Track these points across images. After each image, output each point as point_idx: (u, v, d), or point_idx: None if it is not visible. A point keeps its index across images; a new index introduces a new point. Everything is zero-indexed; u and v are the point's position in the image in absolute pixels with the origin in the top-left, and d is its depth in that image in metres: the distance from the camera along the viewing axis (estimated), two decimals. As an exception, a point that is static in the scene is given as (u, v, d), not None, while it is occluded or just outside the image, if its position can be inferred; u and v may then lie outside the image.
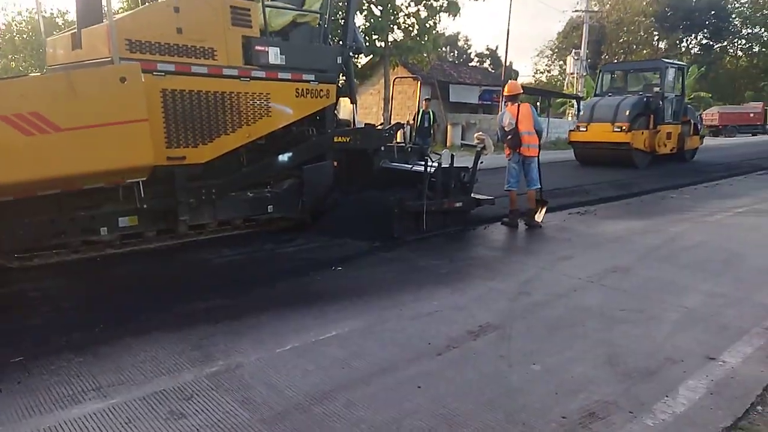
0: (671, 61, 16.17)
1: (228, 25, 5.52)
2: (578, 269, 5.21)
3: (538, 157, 7.26)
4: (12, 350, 3.29)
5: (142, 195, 5.10)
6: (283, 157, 6.22)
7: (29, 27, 26.06)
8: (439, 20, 19.45)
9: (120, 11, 5.84)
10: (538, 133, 7.19)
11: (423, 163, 6.57)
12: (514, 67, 54.23)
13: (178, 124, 5.27)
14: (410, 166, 6.95)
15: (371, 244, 5.92)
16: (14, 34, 26.12)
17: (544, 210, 7.25)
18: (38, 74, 6.38)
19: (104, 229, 5.10)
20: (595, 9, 42.89)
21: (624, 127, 13.24)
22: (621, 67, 19.24)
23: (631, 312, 4.12)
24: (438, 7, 18.89)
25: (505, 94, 7.66)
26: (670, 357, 3.35)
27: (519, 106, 7.13)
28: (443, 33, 20.53)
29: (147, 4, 6.29)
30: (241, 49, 5.62)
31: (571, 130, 15.28)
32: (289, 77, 6.04)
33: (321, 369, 3.16)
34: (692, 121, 15.52)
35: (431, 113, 14.20)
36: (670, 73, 14.70)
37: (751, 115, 38.42)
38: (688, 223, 7.46)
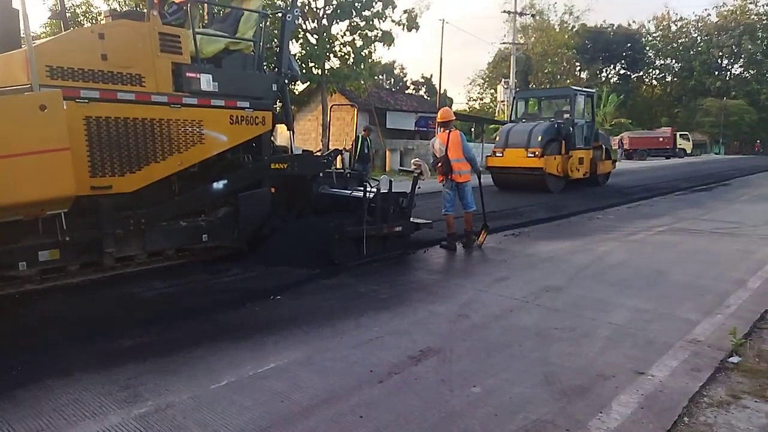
0: (580, 88, 16.78)
1: (157, 52, 5.41)
2: (514, 290, 5.34)
3: (475, 180, 7.47)
4: None
5: (64, 227, 4.82)
6: (218, 185, 6.07)
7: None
8: (375, 49, 19.84)
9: (42, 36, 5.59)
10: (470, 160, 7.38)
11: (362, 188, 6.59)
12: (448, 95, 55.97)
13: (104, 152, 5.06)
14: (349, 191, 6.96)
15: (311, 271, 5.83)
16: None
17: (485, 234, 7.45)
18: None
19: (23, 264, 4.75)
20: (521, 41, 45.15)
21: (537, 153, 13.59)
22: (533, 95, 20.18)
23: (564, 330, 4.25)
24: (373, 37, 19.28)
25: (438, 120, 7.87)
26: (602, 373, 3.48)
27: (449, 133, 7.32)
28: (379, 61, 20.91)
29: (69, 30, 6.06)
30: (171, 76, 5.51)
31: (487, 156, 15.57)
32: (223, 104, 5.96)
33: (258, 404, 3.05)
34: (603, 146, 16.15)
35: (369, 140, 14.48)
36: (580, 100, 15.28)
37: (661, 139, 41.37)
38: (613, 242, 7.86)
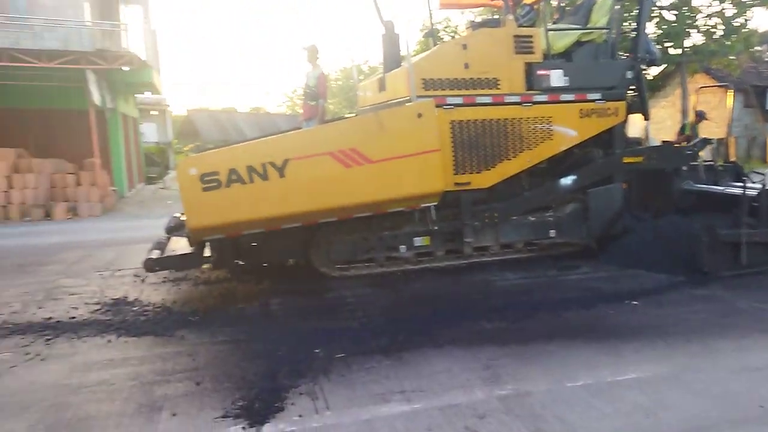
0: None
1: (511, 54, 5.68)
2: None
3: None
4: (336, 347, 3.91)
5: (434, 218, 5.56)
6: (566, 181, 6.03)
7: (342, 75, 31.52)
8: (752, 15, 16.36)
9: (413, 53, 6.57)
10: None
11: (740, 184, 5.54)
12: None
13: (464, 152, 5.62)
14: (722, 187, 5.95)
15: (673, 278, 5.24)
16: (331, 82, 32.04)
17: None
18: (352, 115, 7.60)
19: (403, 248, 5.73)
20: None
21: None
22: None
23: None
24: (748, 2, 15.94)
25: None
26: None
27: None
28: (755, 30, 17.10)
29: (437, 45, 6.91)
30: (523, 76, 5.72)
31: None
32: (573, 98, 5.87)
33: (621, 414, 2.90)
34: None
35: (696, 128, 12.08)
36: None
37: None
38: None
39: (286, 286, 5.58)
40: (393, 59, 6.37)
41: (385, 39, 6.44)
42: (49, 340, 4.19)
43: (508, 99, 5.71)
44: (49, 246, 8.54)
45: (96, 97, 12.86)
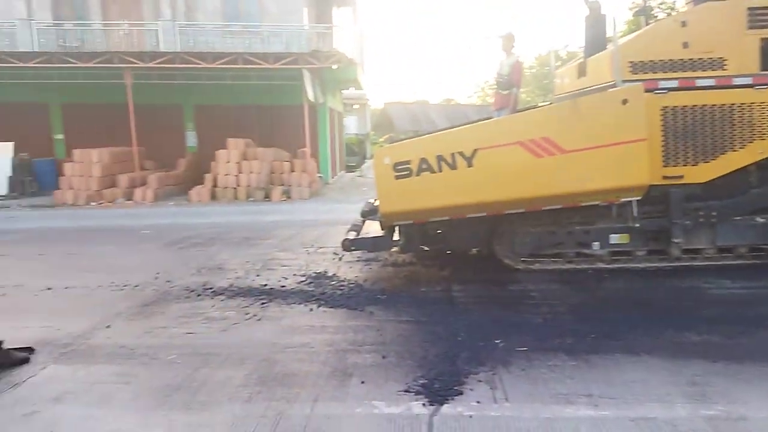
0: None
1: (743, 30, 4.90)
2: None
3: None
4: (517, 340, 3.83)
5: (635, 214, 5.07)
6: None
7: (537, 62, 30.39)
8: None
9: (620, 35, 6.03)
10: None
11: None
12: None
13: (677, 141, 5.04)
14: None
15: None
16: (525, 70, 31.09)
17: None
18: (546, 103, 7.29)
19: (596, 244, 5.35)
20: None
21: None
22: None
23: None
24: None
25: None
26: None
27: None
28: None
29: (649, 24, 6.25)
30: (758, 54, 4.89)
31: None
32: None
33: None
34: None
35: None
36: None
37: None
38: None
39: (468, 275, 5.63)
40: (596, 42, 5.94)
41: (588, 20, 6.05)
42: (263, 303, 4.86)
43: (736, 81, 4.97)
44: (268, 223, 9.86)
45: (310, 94, 14.40)
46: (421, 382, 3.21)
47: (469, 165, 4.93)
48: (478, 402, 2.98)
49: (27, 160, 15.19)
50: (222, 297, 5.09)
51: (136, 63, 13.91)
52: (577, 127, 4.87)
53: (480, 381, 3.22)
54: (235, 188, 14.05)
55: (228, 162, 14.18)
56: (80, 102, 16.41)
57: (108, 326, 4.34)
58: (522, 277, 5.42)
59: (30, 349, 3.74)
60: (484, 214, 5.17)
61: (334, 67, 14.84)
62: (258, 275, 5.88)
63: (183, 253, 7.23)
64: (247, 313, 4.59)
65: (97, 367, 3.56)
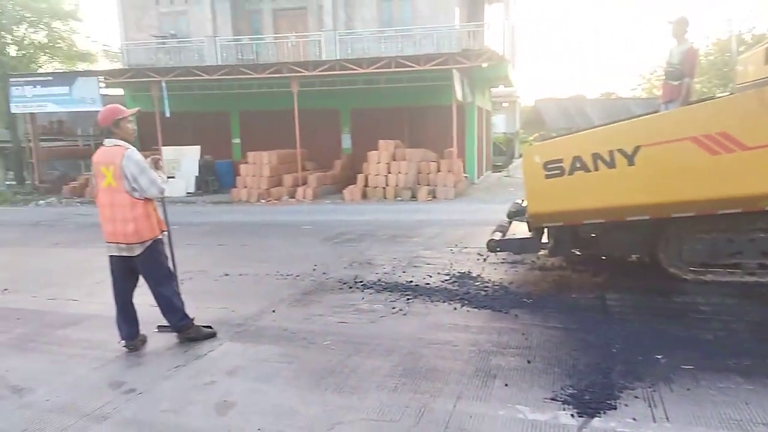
0: None
1: None
2: None
3: None
4: (682, 356, 3.47)
5: None
6: None
7: (715, 49, 26.93)
8: None
9: None
10: None
11: None
12: None
13: None
14: None
15: None
16: (701, 57, 27.59)
17: None
18: (725, 94, 6.48)
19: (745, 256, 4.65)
20: None
21: None
22: None
23: None
24: None
25: None
26: None
27: None
28: None
29: None
30: None
31: None
32: None
33: None
34: None
35: None
36: None
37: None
38: None
39: (625, 283, 5.22)
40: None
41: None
42: (409, 299, 5.01)
43: None
44: (414, 222, 10.11)
45: (459, 93, 14.43)
46: (569, 391, 3.08)
47: (630, 163, 4.59)
48: (634, 419, 2.77)
49: (210, 162, 17.36)
50: (371, 290, 5.35)
51: (301, 72, 15.16)
52: (763, 120, 4.27)
53: (636, 397, 2.99)
54: (384, 188, 14.62)
55: (378, 162, 14.80)
56: (253, 109, 18.35)
57: (273, 311, 4.82)
58: (690, 288, 4.89)
59: (210, 328, 4.31)
60: (647, 217, 4.76)
61: (484, 65, 14.69)
62: (404, 272, 6.08)
63: (337, 248, 7.73)
64: (393, 308, 4.78)
65: (264, 347, 3.98)
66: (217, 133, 18.82)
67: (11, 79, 17.39)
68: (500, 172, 21.77)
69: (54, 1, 19.32)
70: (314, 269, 6.34)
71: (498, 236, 5.68)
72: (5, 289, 5.96)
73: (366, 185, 14.84)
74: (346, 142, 18.20)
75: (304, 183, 15.47)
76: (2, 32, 18.42)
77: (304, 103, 15.74)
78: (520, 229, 5.95)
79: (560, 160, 4.83)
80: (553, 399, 3.01)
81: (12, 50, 19.02)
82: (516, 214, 6.34)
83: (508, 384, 3.22)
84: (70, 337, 4.37)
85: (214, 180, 17.34)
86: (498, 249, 5.66)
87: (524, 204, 5.82)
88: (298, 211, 12.77)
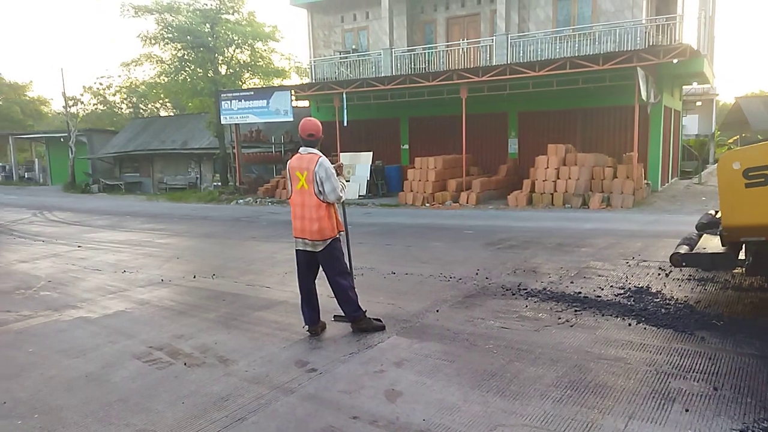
0: None
1: None
2: None
3: None
4: None
5: None
6: None
7: None
8: None
9: None
10: None
11: None
12: None
13: None
14: None
15: None
16: None
17: None
18: None
19: None
20: None
21: None
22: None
23: None
24: None
25: None
26: None
27: None
28: None
29: None
30: None
31: None
32: None
33: None
34: None
35: None
36: None
37: None
38: None
39: None
40: None
41: None
42: (577, 311, 4.81)
43: None
44: (584, 231, 9.59)
45: (644, 93, 13.29)
46: (764, 425, 2.73)
47: None
48: None
49: (380, 166, 18.37)
50: (535, 299, 5.25)
51: (471, 78, 15.29)
52: None
53: None
54: (552, 194, 14.06)
55: (547, 168, 14.29)
56: (422, 115, 18.98)
57: (437, 310, 5.00)
58: None
59: (380, 321, 4.63)
60: None
61: (675, 61, 13.31)
62: (572, 282, 5.84)
63: (500, 254, 7.68)
64: (560, 318, 4.64)
65: (428, 344, 4.17)
66: (388, 139, 19.85)
67: (222, 95, 20.34)
68: (689, 178, 19.47)
69: (257, 25, 22.13)
70: (477, 273, 6.40)
71: (684, 249, 5.16)
72: (214, 275, 7.04)
73: (532, 191, 14.43)
74: (513, 146, 17.87)
75: (468, 188, 15.57)
76: (216, 54, 21.62)
77: (472, 108, 15.84)
78: (711, 244, 5.32)
79: (765, 167, 4.23)
80: (742, 431, 2.70)
81: (223, 69, 22.25)
82: (707, 226, 5.68)
83: (688, 410, 2.95)
84: (264, 318, 5.04)
85: (384, 184, 18.29)
86: (684, 264, 5.12)
87: (718, 215, 5.20)
88: (461, 216, 12.91)
